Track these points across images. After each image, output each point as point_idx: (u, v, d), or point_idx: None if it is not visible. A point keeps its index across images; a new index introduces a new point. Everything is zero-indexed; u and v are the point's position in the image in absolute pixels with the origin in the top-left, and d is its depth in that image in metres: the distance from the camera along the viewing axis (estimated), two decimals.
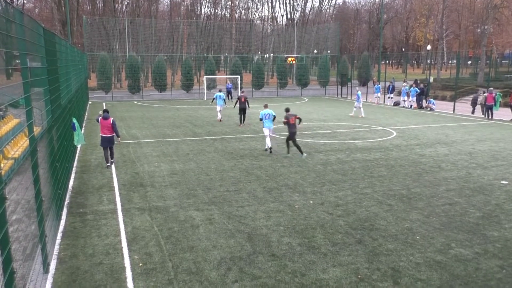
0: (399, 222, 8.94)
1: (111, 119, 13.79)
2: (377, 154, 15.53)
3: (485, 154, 15.62)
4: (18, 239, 7.74)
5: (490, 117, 25.49)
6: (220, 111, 24.88)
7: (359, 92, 27.08)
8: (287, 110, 15.36)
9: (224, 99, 24.99)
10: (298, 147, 14.99)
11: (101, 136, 13.76)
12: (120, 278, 6.68)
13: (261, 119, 16.09)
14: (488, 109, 25.68)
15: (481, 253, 7.52)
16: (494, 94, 25.26)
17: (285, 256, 7.41)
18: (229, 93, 38.34)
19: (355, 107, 27.09)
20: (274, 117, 16.03)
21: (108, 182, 12.09)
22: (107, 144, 13.80)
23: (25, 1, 63.77)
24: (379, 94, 35.24)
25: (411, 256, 7.38)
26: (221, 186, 11.56)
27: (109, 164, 13.87)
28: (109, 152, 13.91)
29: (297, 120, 14.92)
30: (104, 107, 14.93)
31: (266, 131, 15.98)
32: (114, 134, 13.75)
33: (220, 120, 24.67)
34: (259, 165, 13.96)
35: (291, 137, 14.91)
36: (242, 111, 22.36)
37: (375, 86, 35.52)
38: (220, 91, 26.23)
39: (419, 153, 15.72)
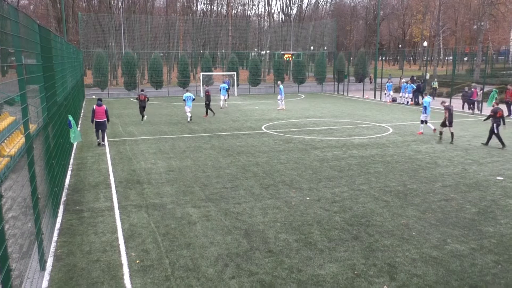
0: (395, 218, 8.98)
1: (104, 106, 16.59)
2: (373, 151, 15.57)
3: (481, 150, 15.69)
4: (15, 237, 7.74)
5: (474, 111, 26.57)
6: (224, 100, 30.05)
7: (281, 86, 29.54)
8: (142, 90, 23.70)
9: (227, 89, 29.23)
10: (143, 115, 23.37)
11: (96, 121, 16.37)
12: (117, 275, 6.69)
13: (184, 100, 22.86)
14: (471, 103, 26.90)
15: (477, 248, 7.57)
16: (478, 90, 26.64)
17: (281, 252, 7.43)
18: (227, 88, 38.50)
19: (279, 99, 29.11)
20: (194, 99, 23.26)
21: (104, 179, 12.07)
22: (101, 127, 16.54)
23: None
24: (391, 92, 34.18)
25: (407, 252, 7.42)
26: (218, 183, 11.57)
27: (99, 140, 16.65)
28: (100, 134, 16.66)
29: (147, 98, 23.35)
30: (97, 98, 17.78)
31: (187, 109, 23.02)
32: (106, 119, 16.52)
33: (222, 108, 29.34)
34: (255, 162, 13.97)
35: (143, 110, 23.45)
36: (208, 104, 25.46)
37: (387, 84, 34.60)
38: (224, 82, 31.25)
39: (415, 150, 15.77)
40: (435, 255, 7.31)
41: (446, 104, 17.46)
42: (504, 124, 15.95)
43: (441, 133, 17.34)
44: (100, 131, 16.66)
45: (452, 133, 17.03)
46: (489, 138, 16.41)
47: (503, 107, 26.09)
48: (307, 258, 7.22)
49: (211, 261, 7.10)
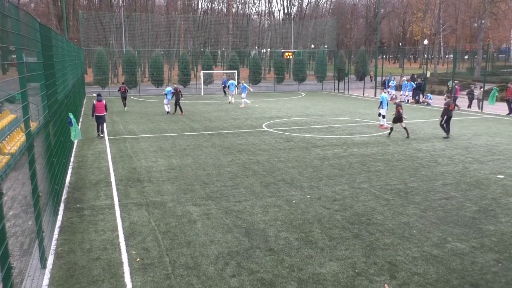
0: (396, 217, 8.97)
1: (104, 101, 18.27)
2: (374, 149, 15.56)
3: (482, 148, 15.68)
4: (15, 235, 7.75)
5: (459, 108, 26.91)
6: (232, 95, 32.31)
7: (245, 84, 31.13)
8: (122, 83, 27.63)
9: (236, 86, 31.96)
10: (125, 104, 27.52)
11: (96, 115, 17.98)
12: (117, 273, 6.69)
13: (166, 94, 25.55)
14: (455, 100, 27.08)
15: (477, 247, 7.57)
16: (460, 87, 28.30)
17: (282, 250, 7.43)
18: (225, 86, 38.67)
19: (243, 98, 30.30)
20: (173, 92, 25.34)
21: (105, 177, 12.08)
22: (101, 120, 18.14)
23: None
24: (389, 90, 33.56)
25: (408, 250, 7.42)
26: (218, 181, 11.57)
27: (99, 133, 18.17)
28: (100, 127, 18.23)
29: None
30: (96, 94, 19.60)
31: (167, 101, 25.56)
32: (106, 113, 18.24)
33: (230, 102, 31.88)
34: (256, 160, 13.96)
35: (124, 100, 27.27)
36: (178, 101, 25.68)
37: (392, 81, 33.95)
38: (232, 79, 33.99)
39: (416, 148, 15.76)
40: (435, 253, 7.31)
41: (397, 101, 18.87)
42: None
43: (391, 129, 18.22)
44: (99, 124, 18.28)
45: (405, 128, 18.00)
46: (448, 130, 17.63)
47: (504, 105, 26.15)
48: (307, 256, 7.22)
49: (212, 260, 7.10)
